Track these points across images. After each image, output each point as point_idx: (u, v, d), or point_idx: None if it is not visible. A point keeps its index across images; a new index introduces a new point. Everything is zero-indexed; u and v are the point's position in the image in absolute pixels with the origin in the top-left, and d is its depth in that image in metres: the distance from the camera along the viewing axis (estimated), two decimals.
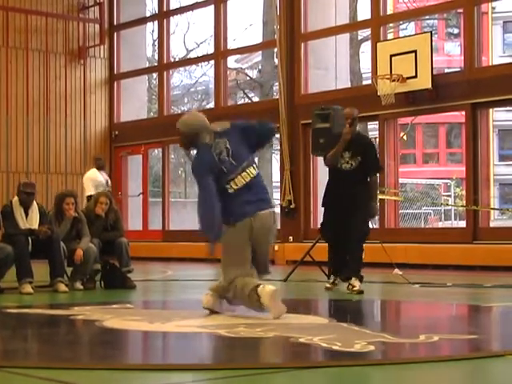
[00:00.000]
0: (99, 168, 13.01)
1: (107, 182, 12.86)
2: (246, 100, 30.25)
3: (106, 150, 19.17)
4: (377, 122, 14.48)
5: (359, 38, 26.45)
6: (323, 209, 8.98)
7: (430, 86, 13.00)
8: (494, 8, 32.27)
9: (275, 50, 16.72)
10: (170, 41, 19.33)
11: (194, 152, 6.24)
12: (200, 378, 3.79)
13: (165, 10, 18.93)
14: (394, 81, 13.16)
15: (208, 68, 23.34)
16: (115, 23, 19.47)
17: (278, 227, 15.43)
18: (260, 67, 30.29)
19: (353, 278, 8.35)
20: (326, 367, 3.92)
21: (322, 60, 15.65)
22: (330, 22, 15.49)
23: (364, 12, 21.78)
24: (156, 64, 21.31)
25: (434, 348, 4.52)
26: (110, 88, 19.36)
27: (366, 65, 25.62)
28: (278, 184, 16.69)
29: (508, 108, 28.82)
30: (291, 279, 10.04)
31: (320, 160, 14.24)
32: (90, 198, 12.24)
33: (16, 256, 8.36)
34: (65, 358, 4.29)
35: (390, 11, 18.11)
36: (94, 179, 12.73)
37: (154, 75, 24.31)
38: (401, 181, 19.67)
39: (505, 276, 10.91)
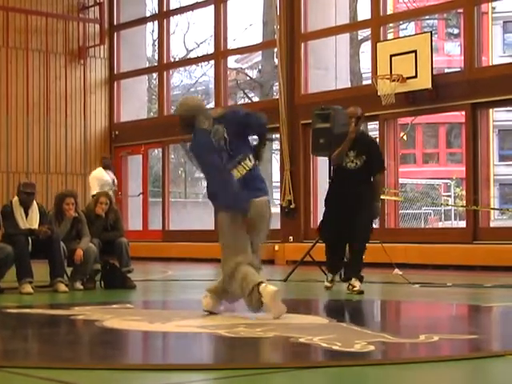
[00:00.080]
0: (105, 167, 12.88)
1: (113, 182, 12.75)
2: (246, 100, 30.26)
3: (106, 150, 19.16)
4: (377, 122, 14.48)
5: (359, 38, 26.47)
6: (324, 208, 8.94)
7: (430, 86, 13.00)
8: (494, 8, 32.27)
9: (275, 50, 16.71)
10: (170, 41, 19.33)
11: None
12: (200, 378, 3.79)
13: (165, 10, 18.93)
14: (394, 81, 13.16)
15: (208, 68, 23.37)
16: (115, 23, 19.47)
17: (278, 227, 15.50)
18: (260, 67, 30.30)
19: (353, 279, 8.35)
20: (326, 367, 3.91)
21: (322, 60, 15.65)
22: (330, 22, 15.50)
23: (364, 12, 21.79)
24: (156, 64, 21.31)
25: (434, 348, 4.52)
26: (110, 88, 19.36)
27: (366, 65, 25.63)
28: (278, 184, 16.69)
29: (508, 108, 28.81)
30: (291, 279, 10.04)
31: (320, 160, 14.30)
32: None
33: (16, 256, 8.36)
34: (65, 358, 4.29)
35: (390, 11, 18.11)
36: (100, 178, 12.61)
37: (154, 75, 24.32)
38: (401, 181, 19.68)
39: (505, 276, 10.91)
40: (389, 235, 13.13)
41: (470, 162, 13.18)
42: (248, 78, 31.92)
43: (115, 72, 19.40)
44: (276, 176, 22.83)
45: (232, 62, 28.41)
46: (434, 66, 13.30)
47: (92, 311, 6.35)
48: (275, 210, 16.61)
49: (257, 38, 28.16)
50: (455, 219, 25.70)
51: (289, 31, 15.45)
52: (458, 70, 20.68)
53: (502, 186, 36.12)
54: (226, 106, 5.93)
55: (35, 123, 18.16)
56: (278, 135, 15.66)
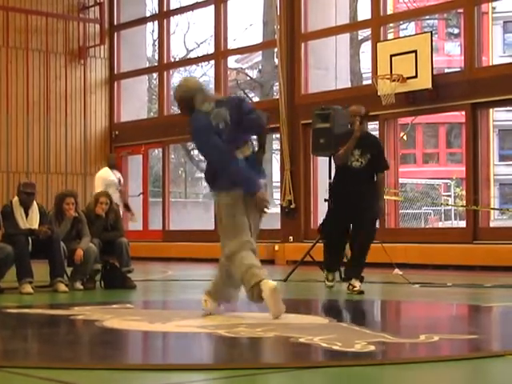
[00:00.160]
0: (111, 166, 12.73)
1: (119, 181, 12.63)
2: (247, 100, 30.22)
3: (106, 150, 19.16)
4: (377, 122, 14.47)
5: (359, 38, 26.48)
6: (328, 207, 8.86)
7: (430, 86, 13.00)
8: (494, 8, 32.28)
9: (275, 50, 16.72)
10: (170, 41, 19.33)
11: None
12: (200, 378, 3.79)
13: (165, 10, 18.93)
14: (394, 81, 13.17)
15: (208, 68, 23.38)
16: (115, 23, 19.47)
17: (279, 227, 15.51)
18: (260, 67, 30.32)
19: (353, 278, 8.34)
20: (326, 367, 3.91)
21: (322, 60, 15.65)
22: (330, 22, 15.50)
23: (364, 12, 21.80)
24: (156, 64, 21.32)
25: (434, 348, 4.52)
26: (110, 88, 19.36)
27: (366, 65, 25.63)
28: (279, 184, 16.69)
29: (508, 108, 28.83)
30: (291, 279, 10.04)
31: (320, 160, 14.29)
32: None
33: (16, 256, 8.36)
34: (65, 358, 4.29)
35: (390, 11, 18.11)
36: (106, 178, 12.43)
37: (154, 75, 24.34)
38: (401, 181, 19.67)
39: (505, 276, 10.91)
40: (389, 235, 13.13)
41: (470, 162, 13.18)
42: (248, 78, 31.93)
43: (115, 72, 19.40)
44: (276, 176, 22.81)
45: (232, 62, 28.45)
46: (434, 65, 13.30)
47: (92, 311, 6.35)
48: (275, 210, 16.63)
49: (257, 37, 28.19)
50: (455, 219, 25.70)
51: (289, 31, 15.45)
52: (458, 69, 20.67)
53: (502, 185, 36.13)
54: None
55: (35, 123, 18.16)
56: (278, 135, 15.67)
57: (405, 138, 20.37)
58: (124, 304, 7.05)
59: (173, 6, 19.45)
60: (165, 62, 18.88)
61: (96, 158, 19.03)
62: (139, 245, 15.25)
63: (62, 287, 8.55)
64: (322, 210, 14.42)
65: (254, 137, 6.19)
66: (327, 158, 10.95)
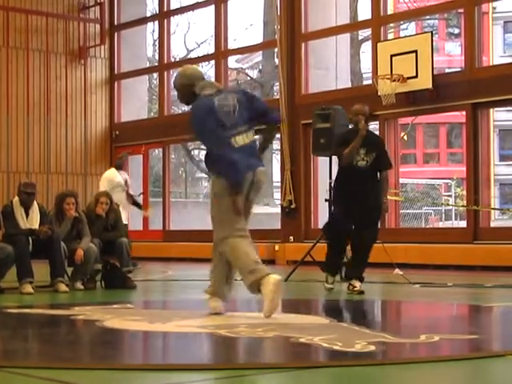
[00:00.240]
0: (118, 167, 12.64)
1: (126, 182, 12.56)
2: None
3: (107, 150, 19.18)
4: (377, 122, 14.47)
5: (360, 38, 26.49)
6: (333, 207, 8.73)
7: (430, 86, 13.00)
8: (494, 8, 32.28)
9: (276, 50, 16.72)
10: (170, 41, 19.33)
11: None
12: (200, 378, 3.78)
13: (165, 10, 18.94)
14: (394, 81, 13.17)
15: (208, 68, 23.34)
16: (116, 23, 19.48)
17: (279, 227, 15.51)
18: (260, 67, 30.34)
19: (353, 279, 8.33)
20: (326, 367, 3.91)
21: (322, 60, 15.65)
22: (330, 22, 15.50)
23: (364, 12, 21.80)
24: (156, 64, 21.32)
25: (435, 348, 4.51)
26: (110, 88, 19.37)
27: (366, 65, 25.63)
28: (279, 184, 16.70)
29: (508, 108, 28.84)
30: (292, 279, 10.04)
31: (321, 160, 14.29)
32: None
33: (16, 256, 8.36)
34: (65, 358, 4.29)
35: (390, 11, 18.11)
36: (112, 180, 12.32)
37: (155, 75, 24.35)
38: (401, 181, 19.69)
39: (505, 276, 10.91)
40: (389, 235, 13.12)
41: (470, 162, 13.17)
42: (248, 78, 31.94)
43: (116, 72, 19.41)
44: (276, 176, 22.84)
45: (232, 62, 28.47)
46: (434, 65, 13.30)
47: (92, 311, 6.35)
48: (276, 210, 16.63)
49: (257, 37, 28.21)
50: (456, 219, 25.71)
51: (289, 31, 15.45)
52: (459, 69, 20.67)
53: (503, 185, 36.13)
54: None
55: (36, 123, 18.17)
56: (278, 135, 15.66)
57: (405, 138, 20.38)
58: (124, 304, 7.05)
59: (173, 6, 19.46)
60: (165, 61, 18.89)
61: (96, 158, 19.04)
62: (139, 245, 15.25)
63: (63, 287, 8.55)
64: (322, 209, 14.43)
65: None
66: (327, 158, 10.95)
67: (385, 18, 14.78)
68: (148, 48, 23.90)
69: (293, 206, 15.10)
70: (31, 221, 8.67)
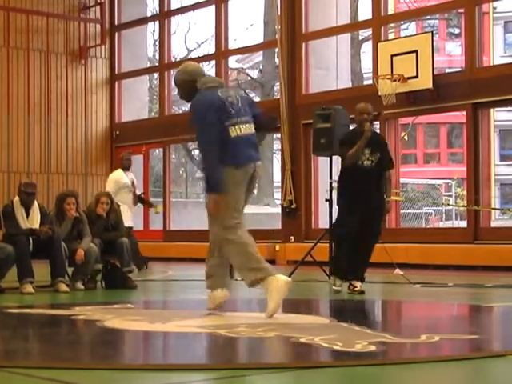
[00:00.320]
0: (125, 168, 12.60)
1: (133, 183, 12.54)
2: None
3: (107, 150, 19.19)
4: (378, 122, 14.46)
5: (360, 37, 26.50)
6: (340, 208, 8.62)
7: (430, 86, 13.00)
8: (495, 8, 32.27)
9: (276, 50, 16.72)
10: (171, 41, 19.34)
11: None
12: (200, 378, 3.78)
13: (166, 10, 18.94)
14: (394, 81, 13.17)
15: (209, 68, 23.34)
16: (116, 23, 19.48)
17: (279, 227, 15.50)
18: (261, 67, 30.35)
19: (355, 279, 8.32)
20: (327, 367, 3.91)
21: (322, 60, 15.65)
22: (330, 22, 15.49)
23: (365, 12, 21.80)
24: (157, 64, 21.33)
25: (435, 348, 4.51)
26: (111, 88, 19.37)
27: (366, 65, 25.64)
28: (279, 184, 16.70)
29: (509, 108, 28.83)
30: (292, 279, 10.00)
31: (321, 160, 14.28)
32: None
33: (17, 256, 8.36)
34: (66, 357, 4.29)
35: (391, 11, 18.11)
36: (118, 181, 12.25)
37: (155, 75, 24.34)
38: (402, 181, 19.69)
39: (506, 276, 10.91)
40: (390, 235, 13.11)
41: (470, 162, 13.17)
42: (249, 78, 31.94)
43: (116, 72, 19.41)
44: (277, 176, 22.83)
45: (233, 61, 28.47)
46: (434, 65, 13.30)
47: (93, 311, 6.35)
48: (276, 210, 16.65)
49: (258, 37, 28.21)
50: (456, 219, 25.71)
51: (290, 31, 15.45)
52: (459, 69, 20.67)
53: (503, 185, 36.13)
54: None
55: (36, 123, 18.17)
56: (279, 135, 15.67)
57: (406, 138, 20.37)
58: (125, 304, 7.05)
59: (174, 6, 19.46)
60: (166, 61, 18.89)
61: (97, 158, 19.05)
62: (140, 245, 15.21)
63: (63, 287, 8.55)
64: (322, 209, 14.43)
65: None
66: (328, 158, 10.95)
67: (385, 17, 14.78)
68: (148, 48, 23.93)
69: (293, 206, 15.10)
70: (32, 221, 8.67)
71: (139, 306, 7.31)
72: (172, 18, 19.56)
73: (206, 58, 21.58)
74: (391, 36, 19.03)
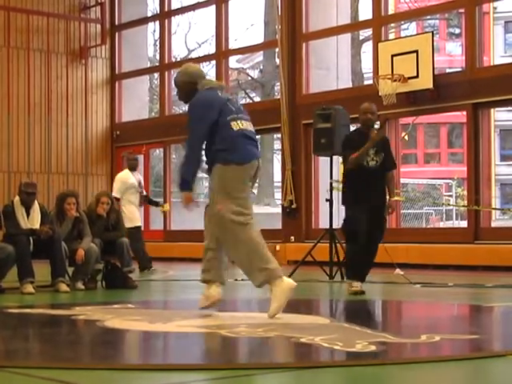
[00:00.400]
0: (131, 169, 12.60)
1: (140, 183, 12.53)
2: (248, 100, 30.26)
3: (108, 150, 19.19)
4: (378, 122, 14.43)
5: (360, 38, 26.49)
6: (348, 209, 8.37)
7: (431, 86, 13.00)
8: (495, 8, 32.26)
9: (276, 50, 16.73)
10: (171, 41, 19.34)
11: None
12: (200, 377, 3.78)
13: (166, 10, 18.94)
14: (395, 81, 13.16)
15: (209, 68, 23.34)
16: (117, 23, 19.48)
17: (280, 227, 15.50)
18: (261, 67, 30.34)
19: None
20: (327, 367, 3.91)
21: (323, 60, 15.65)
22: (331, 22, 15.49)
23: (365, 12, 21.80)
24: (157, 64, 21.32)
25: (436, 348, 4.51)
26: (111, 88, 19.37)
27: (367, 65, 25.63)
28: (280, 184, 16.70)
29: (509, 108, 28.84)
30: (292, 279, 9.99)
31: (321, 160, 14.28)
32: (116, 199, 12.13)
33: (17, 256, 8.36)
34: (66, 357, 4.29)
35: (391, 11, 18.11)
36: (125, 181, 12.25)
37: (156, 75, 24.34)
38: (402, 181, 19.69)
39: (506, 276, 10.91)
40: (390, 235, 13.05)
41: (471, 162, 13.17)
42: (249, 78, 31.93)
43: (116, 72, 19.41)
44: (277, 176, 22.82)
45: (233, 61, 28.46)
46: (435, 65, 13.30)
47: (93, 311, 6.35)
48: (277, 210, 16.65)
49: (258, 37, 28.21)
50: (457, 219, 25.71)
51: (290, 31, 15.45)
52: (460, 69, 20.68)
53: (504, 185, 36.12)
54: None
55: (36, 123, 18.17)
56: (279, 135, 15.67)
57: (406, 138, 20.36)
58: (125, 304, 7.05)
59: (174, 6, 19.46)
60: (166, 62, 18.90)
61: (97, 158, 19.05)
62: None
63: (64, 287, 8.55)
64: (323, 209, 14.41)
65: None
66: (328, 158, 10.96)
67: (386, 18, 14.78)
68: (149, 48, 23.92)
69: (294, 206, 15.10)
70: (32, 221, 8.67)
71: (139, 306, 7.30)
72: (172, 17, 19.57)
73: (207, 57, 21.59)
74: (391, 36, 19.03)
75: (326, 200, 10.66)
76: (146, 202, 12.90)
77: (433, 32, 14.37)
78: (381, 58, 13.54)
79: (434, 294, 8.39)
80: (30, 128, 18.06)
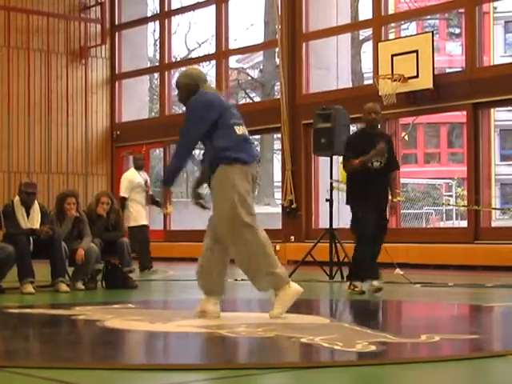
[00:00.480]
0: (138, 168, 12.62)
1: (146, 182, 12.54)
2: (248, 100, 30.28)
3: (108, 150, 19.19)
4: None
5: (361, 37, 26.49)
6: (355, 209, 8.32)
7: (431, 85, 13.00)
8: (495, 8, 32.25)
9: (276, 49, 16.72)
10: (171, 41, 19.34)
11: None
12: (200, 377, 3.79)
13: (166, 9, 18.94)
14: (395, 81, 13.16)
15: (209, 68, 23.35)
16: (117, 23, 19.48)
17: (280, 227, 15.50)
18: (261, 67, 30.35)
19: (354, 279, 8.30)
20: (327, 367, 3.91)
21: (323, 60, 15.65)
22: (331, 22, 15.49)
23: (365, 12, 21.80)
24: (157, 64, 21.32)
25: (436, 348, 4.51)
26: (111, 88, 19.37)
27: (367, 65, 25.63)
28: (280, 184, 16.69)
29: (509, 108, 28.83)
30: (292, 279, 9.99)
31: (321, 160, 14.28)
32: (123, 199, 12.16)
33: (17, 256, 8.36)
34: (66, 357, 4.29)
35: (391, 11, 18.11)
36: (132, 180, 12.28)
37: (156, 75, 24.34)
38: (402, 181, 19.70)
39: (506, 276, 10.91)
40: (390, 235, 12.97)
41: (471, 162, 13.17)
42: (249, 78, 31.94)
43: (116, 72, 19.41)
44: (277, 176, 22.82)
45: (233, 61, 28.46)
46: (435, 65, 13.30)
47: (93, 311, 6.35)
48: (277, 209, 16.65)
49: (258, 37, 28.21)
50: (457, 219, 25.70)
51: (290, 31, 15.45)
52: (460, 69, 20.67)
53: (504, 185, 36.12)
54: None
55: (36, 123, 18.17)
56: (279, 135, 15.67)
57: (406, 138, 20.36)
58: (125, 304, 7.05)
59: (174, 6, 19.46)
60: (166, 61, 18.89)
61: (97, 158, 19.05)
62: None
63: (64, 287, 8.55)
64: (323, 209, 14.41)
65: None
66: (328, 158, 10.96)
67: (386, 17, 14.78)
68: (149, 48, 23.92)
69: (293, 206, 15.10)
70: (32, 221, 8.67)
71: (139, 306, 7.30)
72: (172, 17, 19.56)
73: (207, 57, 21.59)
74: (392, 36, 19.03)
75: (326, 200, 10.66)
76: (152, 202, 12.87)
77: (433, 32, 14.37)
78: (381, 58, 13.54)
79: (434, 294, 8.39)
80: (30, 128, 18.06)
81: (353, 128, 12.65)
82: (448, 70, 24.02)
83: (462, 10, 15.10)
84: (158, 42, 23.68)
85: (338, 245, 10.31)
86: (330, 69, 15.64)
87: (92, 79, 19.09)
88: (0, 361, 4.09)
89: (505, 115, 33.35)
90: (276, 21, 15.86)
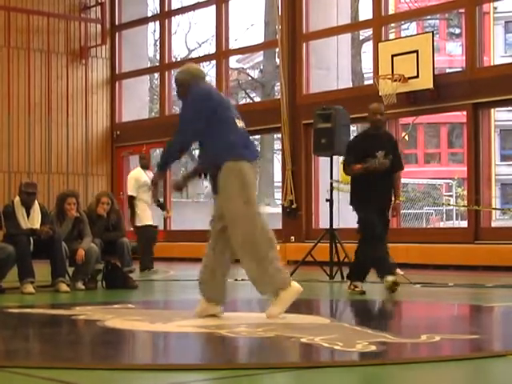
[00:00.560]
0: (144, 167, 12.64)
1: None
2: (248, 100, 30.27)
3: (108, 150, 19.18)
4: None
5: (361, 37, 26.48)
6: (359, 209, 8.31)
7: (431, 86, 13.00)
8: (495, 8, 32.23)
9: (277, 50, 16.71)
10: (171, 41, 19.34)
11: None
12: (200, 377, 3.79)
13: (166, 9, 18.94)
14: (395, 81, 13.16)
15: (210, 68, 23.35)
16: (117, 23, 19.48)
17: (280, 227, 15.49)
18: (261, 67, 30.33)
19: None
20: (327, 367, 3.91)
21: (323, 60, 15.65)
22: (331, 22, 15.49)
23: (366, 12, 21.79)
24: (158, 64, 21.32)
25: (436, 348, 4.51)
26: (111, 88, 19.37)
27: (367, 65, 25.61)
28: (280, 184, 16.69)
29: (509, 108, 28.83)
30: (292, 279, 10.00)
31: (322, 160, 14.27)
32: (131, 198, 12.17)
33: (17, 256, 8.36)
34: (66, 357, 4.29)
35: (391, 11, 18.10)
36: (138, 179, 12.30)
37: (156, 75, 24.34)
38: (402, 181, 19.66)
39: (506, 276, 10.91)
40: (390, 235, 13.02)
41: (471, 162, 13.17)
42: (250, 78, 31.93)
43: (117, 72, 19.41)
44: (278, 176, 22.81)
45: (233, 61, 28.46)
46: (435, 65, 13.30)
47: (93, 311, 6.35)
48: (277, 209, 16.64)
49: (258, 37, 28.19)
50: (457, 219, 25.70)
51: (290, 31, 15.45)
52: (460, 69, 20.68)
53: (504, 185, 36.11)
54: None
55: (37, 123, 18.17)
56: (279, 135, 15.67)
57: (406, 138, 20.38)
58: (125, 304, 7.05)
59: (174, 6, 19.46)
60: (166, 61, 18.90)
61: (97, 158, 19.05)
62: None
63: (64, 287, 8.55)
64: (323, 210, 14.41)
65: None
66: (329, 158, 10.96)
67: (386, 18, 14.77)
68: (149, 48, 23.92)
69: (294, 206, 15.10)
70: (32, 221, 8.67)
71: (140, 306, 7.31)
72: (172, 17, 19.56)
73: (207, 57, 21.59)
74: (392, 36, 19.03)
75: (326, 200, 10.66)
76: (157, 204, 12.88)
77: (433, 32, 14.37)
78: (381, 58, 13.54)
79: (434, 294, 8.39)
80: (30, 128, 18.06)
81: (353, 128, 12.67)
82: (448, 70, 24.02)
83: (462, 10, 15.11)
84: (158, 42, 23.68)
85: (338, 245, 10.31)
86: (330, 69, 15.64)
87: (92, 79, 19.10)
88: (0, 361, 4.10)
89: (505, 115, 33.35)
90: (276, 21, 15.86)
